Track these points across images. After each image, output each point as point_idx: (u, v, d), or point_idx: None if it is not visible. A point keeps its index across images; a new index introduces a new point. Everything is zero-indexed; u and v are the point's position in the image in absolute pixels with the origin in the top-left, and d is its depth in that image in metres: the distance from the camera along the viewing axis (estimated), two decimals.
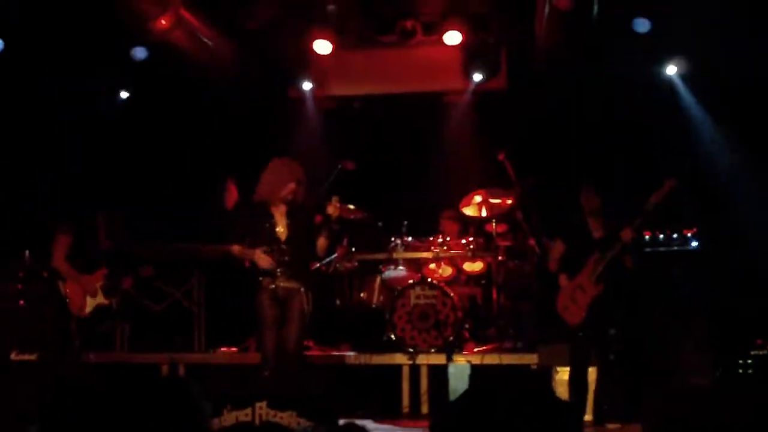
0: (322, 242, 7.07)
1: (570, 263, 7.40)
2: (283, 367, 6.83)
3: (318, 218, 7.22)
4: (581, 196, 7.41)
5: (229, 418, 5.68)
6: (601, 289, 7.18)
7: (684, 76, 9.60)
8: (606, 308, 7.22)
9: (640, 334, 7.86)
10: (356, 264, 9.13)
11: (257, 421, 5.64)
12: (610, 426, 7.05)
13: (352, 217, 8.97)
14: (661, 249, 7.99)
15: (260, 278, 6.91)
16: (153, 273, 8.81)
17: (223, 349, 9.10)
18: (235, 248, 6.96)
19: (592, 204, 7.35)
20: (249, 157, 10.37)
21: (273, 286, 6.86)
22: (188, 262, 9.26)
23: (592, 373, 7.38)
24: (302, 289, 6.92)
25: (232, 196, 9.57)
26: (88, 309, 7.83)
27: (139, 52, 9.84)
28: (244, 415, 5.67)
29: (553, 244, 7.64)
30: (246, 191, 8.85)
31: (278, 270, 6.85)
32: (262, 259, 6.84)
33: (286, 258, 6.89)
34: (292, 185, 6.91)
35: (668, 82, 9.71)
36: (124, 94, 10.73)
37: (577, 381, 7.33)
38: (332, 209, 7.01)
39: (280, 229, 6.93)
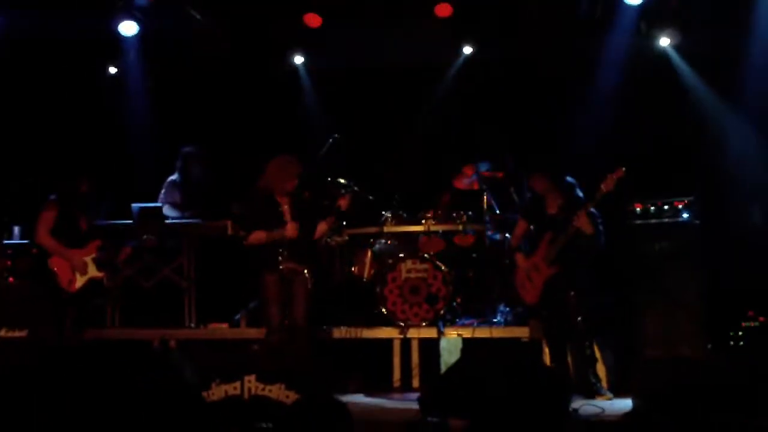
0: (322, 227, 7.69)
1: (528, 241, 7.62)
2: (293, 342, 7.32)
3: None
4: (529, 183, 7.60)
5: (218, 391, 5.68)
6: (554, 271, 7.33)
7: (677, 47, 9.55)
8: (560, 289, 7.34)
9: (619, 308, 7.90)
10: (347, 238, 9.08)
11: (246, 395, 5.65)
12: (600, 398, 7.05)
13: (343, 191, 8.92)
14: (652, 221, 7.95)
15: (272, 257, 7.36)
16: (156, 243, 8.69)
17: (213, 324, 9.06)
18: (262, 234, 7.37)
19: (540, 187, 7.52)
20: (246, 132, 10.46)
21: (282, 267, 7.35)
22: (180, 238, 9.20)
23: None
24: (306, 271, 7.47)
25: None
26: (78, 284, 7.78)
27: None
28: (232, 388, 5.68)
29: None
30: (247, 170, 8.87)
31: (285, 252, 7.35)
32: (291, 228, 7.38)
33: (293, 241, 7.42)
34: (294, 181, 7.47)
35: (661, 54, 9.64)
36: (112, 70, 10.65)
37: (555, 355, 7.48)
38: (344, 203, 7.73)
39: (287, 216, 7.47)
